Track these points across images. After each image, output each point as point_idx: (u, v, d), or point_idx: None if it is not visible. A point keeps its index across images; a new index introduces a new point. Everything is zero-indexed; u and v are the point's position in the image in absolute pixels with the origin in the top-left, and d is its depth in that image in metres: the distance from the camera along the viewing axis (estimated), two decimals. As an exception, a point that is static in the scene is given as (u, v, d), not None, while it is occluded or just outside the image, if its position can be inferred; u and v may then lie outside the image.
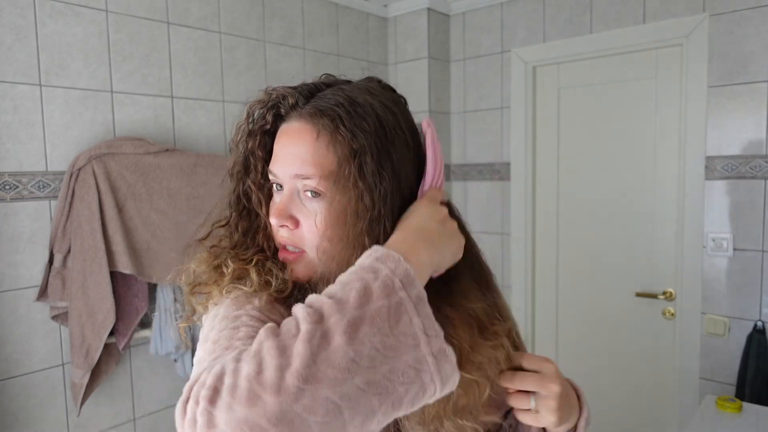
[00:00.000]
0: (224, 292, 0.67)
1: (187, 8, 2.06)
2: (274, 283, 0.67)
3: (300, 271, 0.68)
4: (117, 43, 1.88)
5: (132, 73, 1.92)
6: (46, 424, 1.77)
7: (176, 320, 1.91)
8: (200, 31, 2.11)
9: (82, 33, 1.79)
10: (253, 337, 0.55)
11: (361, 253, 0.57)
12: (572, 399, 0.71)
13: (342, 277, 0.53)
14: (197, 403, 0.46)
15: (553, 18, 2.55)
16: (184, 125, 2.07)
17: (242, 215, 0.72)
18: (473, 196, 2.90)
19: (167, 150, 1.89)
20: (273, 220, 0.67)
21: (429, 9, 2.74)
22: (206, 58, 2.13)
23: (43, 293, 1.73)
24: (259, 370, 0.46)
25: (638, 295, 2.43)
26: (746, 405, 1.86)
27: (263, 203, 0.70)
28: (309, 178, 0.63)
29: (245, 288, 0.66)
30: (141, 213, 1.82)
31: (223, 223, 0.73)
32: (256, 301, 0.65)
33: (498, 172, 2.79)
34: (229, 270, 0.68)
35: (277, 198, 0.68)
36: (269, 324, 0.50)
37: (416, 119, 0.71)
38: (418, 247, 0.58)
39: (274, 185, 0.68)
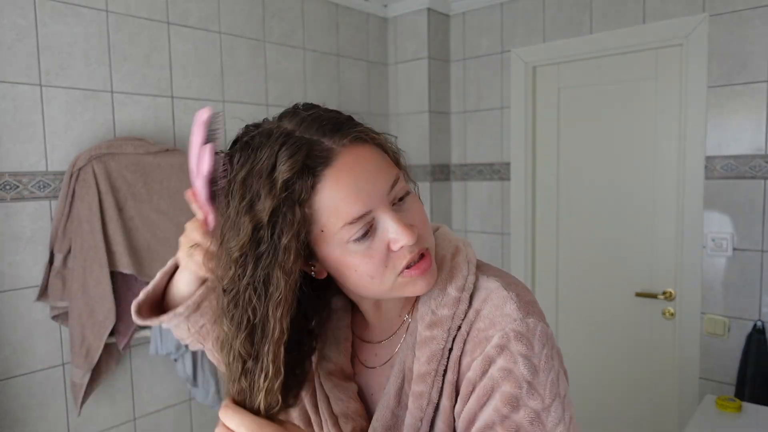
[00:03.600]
0: None
1: (187, 8, 2.06)
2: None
3: (435, 274, 0.63)
4: (117, 43, 1.88)
5: (132, 73, 1.92)
6: (46, 424, 1.77)
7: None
8: (200, 32, 2.11)
9: (82, 33, 1.79)
10: None
11: None
12: None
13: None
14: None
15: (553, 18, 2.55)
16: (184, 125, 2.07)
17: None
18: (473, 196, 2.90)
19: (167, 150, 1.89)
20: (409, 240, 0.57)
21: (429, 9, 2.74)
22: (206, 58, 2.13)
23: (43, 293, 1.73)
24: None
25: (638, 295, 2.43)
26: (746, 405, 1.86)
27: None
28: (399, 179, 0.61)
29: None
30: (141, 213, 1.82)
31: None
32: None
33: (498, 172, 2.79)
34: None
35: (358, 247, 0.58)
36: None
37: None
38: None
39: (354, 236, 0.58)
